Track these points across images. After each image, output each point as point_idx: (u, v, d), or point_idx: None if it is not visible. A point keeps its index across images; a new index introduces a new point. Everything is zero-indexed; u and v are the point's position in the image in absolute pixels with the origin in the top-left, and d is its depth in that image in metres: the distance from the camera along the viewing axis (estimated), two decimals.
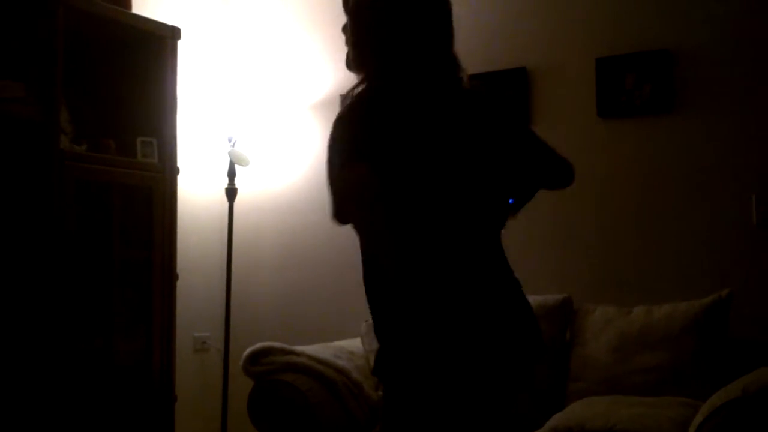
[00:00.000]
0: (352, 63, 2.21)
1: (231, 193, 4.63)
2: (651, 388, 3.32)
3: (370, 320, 3.84)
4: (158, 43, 4.08)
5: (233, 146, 4.60)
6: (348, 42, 2.22)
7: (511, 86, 4.10)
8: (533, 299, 2.25)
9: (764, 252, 3.66)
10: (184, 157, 4.29)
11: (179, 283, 4.09)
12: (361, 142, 1.99)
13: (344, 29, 2.24)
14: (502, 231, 2.18)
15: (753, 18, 3.73)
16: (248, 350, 3.62)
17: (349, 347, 3.89)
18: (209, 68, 4.89)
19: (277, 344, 3.66)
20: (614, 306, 3.62)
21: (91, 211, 3.76)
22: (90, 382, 3.69)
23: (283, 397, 3.49)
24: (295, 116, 4.79)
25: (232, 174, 4.63)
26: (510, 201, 2.26)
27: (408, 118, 2.04)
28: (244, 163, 4.57)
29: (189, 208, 4.58)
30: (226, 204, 4.65)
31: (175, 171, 4.08)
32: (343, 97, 2.20)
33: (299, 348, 3.69)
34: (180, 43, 4.13)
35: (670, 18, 3.90)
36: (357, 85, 2.13)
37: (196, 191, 4.75)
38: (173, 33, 4.11)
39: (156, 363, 3.95)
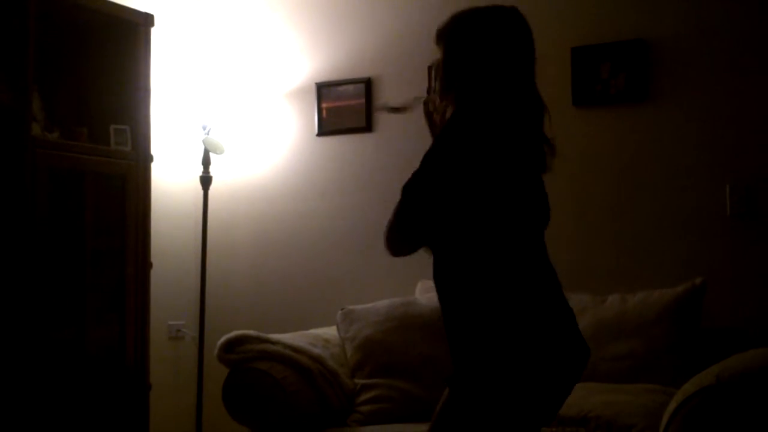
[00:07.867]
0: (441, 92, 2.34)
1: (206, 181, 4.60)
2: (625, 375, 3.34)
3: (347, 308, 3.88)
4: (132, 29, 4.04)
5: (208, 134, 4.57)
6: (439, 73, 2.36)
7: None
8: None
9: (737, 241, 3.69)
10: (157, 145, 4.25)
11: (154, 272, 4.07)
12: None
13: (434, 67, 2.41)
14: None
15: (727, 8, 3.75)
16: (223, 338, 3.60)
17: (324, 335, 3.88)
18: (183, 55, 4.85)
19: (252, 332, 3.65)
20: (589, 294, 3.64)
21: (63, 199, 3.73)
22: (63, 371, 3.66)
23: (258, 385, 3.48)
24: (270, 104, 4.76)
25: (206, 162, 4.60)
26: None
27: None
28: (219, 151, 4.54)
29: (163, 196, 4.55)
30: (201, 192, 4.62)
31: (148, 159, 4.05)
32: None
33: (274, 336, 3.68)
34: (153, 30, 4.10)
35: (645, 8, 3.91)
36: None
37: (170, 179, 4.71)
38: (147, 20, 4.07)
39: (130, 351, 3.93)
